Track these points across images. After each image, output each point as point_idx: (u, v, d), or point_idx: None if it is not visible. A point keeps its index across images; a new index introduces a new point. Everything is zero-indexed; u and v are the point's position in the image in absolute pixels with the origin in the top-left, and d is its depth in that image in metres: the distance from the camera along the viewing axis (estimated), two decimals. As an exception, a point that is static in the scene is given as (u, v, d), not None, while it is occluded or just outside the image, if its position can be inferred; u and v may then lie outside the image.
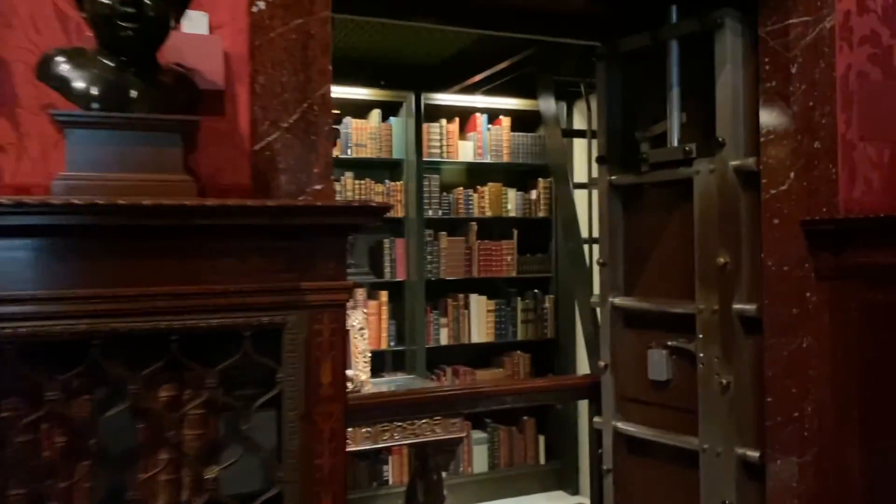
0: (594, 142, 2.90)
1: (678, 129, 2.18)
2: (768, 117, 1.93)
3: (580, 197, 3.44)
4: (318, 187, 1.37)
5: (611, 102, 2.37)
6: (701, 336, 2.08)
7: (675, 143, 2.18)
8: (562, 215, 3.49)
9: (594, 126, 2.94)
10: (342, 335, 1.16)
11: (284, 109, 1.35)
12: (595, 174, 2.47)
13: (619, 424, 2.36)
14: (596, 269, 2.50)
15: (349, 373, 3.35)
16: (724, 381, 2.01)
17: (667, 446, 2.21)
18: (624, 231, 2.39)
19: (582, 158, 4.59)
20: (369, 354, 3.45)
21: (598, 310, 2.81)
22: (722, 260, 2.01)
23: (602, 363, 2.39)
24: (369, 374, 3.42)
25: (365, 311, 3.53)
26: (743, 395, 2.00)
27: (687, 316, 2.13)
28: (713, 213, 2.05)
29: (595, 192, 2.79)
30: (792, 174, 1.88)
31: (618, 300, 2.37)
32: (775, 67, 1.91)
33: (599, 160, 2.40)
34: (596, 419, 2.45)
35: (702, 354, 2.08)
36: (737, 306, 2.00)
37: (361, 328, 3.43)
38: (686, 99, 2.17)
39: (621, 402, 2.38)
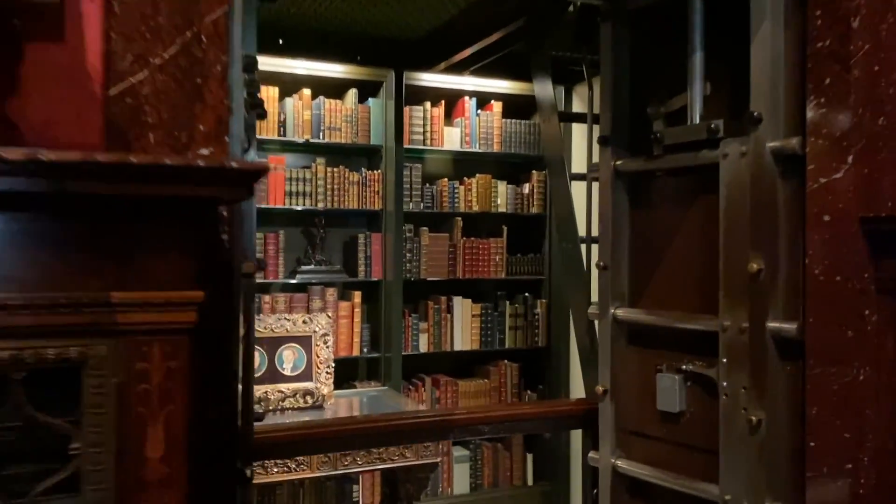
0: (596, 128, 2.52)
1: (701, 102, 1.78)
2: (819, 86, 1.53)
3: (578, 191, 3.04)
4: (205, 151, 0.97)
5: (617, 71, 1.97)
6: (725, 360, 1.68)
7: (697, 120, 1.78)
8: (557, 211, 3.08)
9: (596, 109, 2.55)
10: (184, 380, 0.75)
11: (157, 39, 0.95)
12: (596, 160, 2.07)
13: (620, 463, 1.96)
14: (595, 273, 2.10)
15: (309, 385, 2.95)
16: (754, 419, 1.61)
17: (678, 494, 1.81)
18: (630, 228, 1.99)
19: (581, 149, 4.19)
20: (333, 364, 3.05)
21: (596, 322, 2.42)
22: (755, 266, 1.61)
23: (600, 388, 1.99)
24: (332, 387, 3.02)
25: (329, 314, 3.12)
26: (777, 436, 1.60)
27: (707, 334, 1.73)
28: (744, 208, 1.65)
29: (595, 184, 2.40)
30: (850, 158, 1.48)
31: (621, 312, 1.97)
32: (830, 22, 1.51)
33: (602, 141, 1.99)
34: (591, 454, 2.06)
35: (725, 383, 1.68)
36: (772, 324, 1.60)
37: (325, 334, 3.03)
38: (711, 65, 1.77)
39: (623, 436, 1.99)
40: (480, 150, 4.23)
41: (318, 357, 2.99)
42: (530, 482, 4.31)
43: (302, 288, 3.88)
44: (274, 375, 2.92)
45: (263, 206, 3.74)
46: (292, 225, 3.98)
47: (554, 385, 4.31)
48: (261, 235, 3.75)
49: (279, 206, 3.77)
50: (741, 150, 1.66)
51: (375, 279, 3.98)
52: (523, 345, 4.32)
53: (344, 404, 3.16)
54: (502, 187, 4.31)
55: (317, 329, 3.02)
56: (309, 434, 1.74)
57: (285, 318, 3.00)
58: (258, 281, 3.75)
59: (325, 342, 3.03)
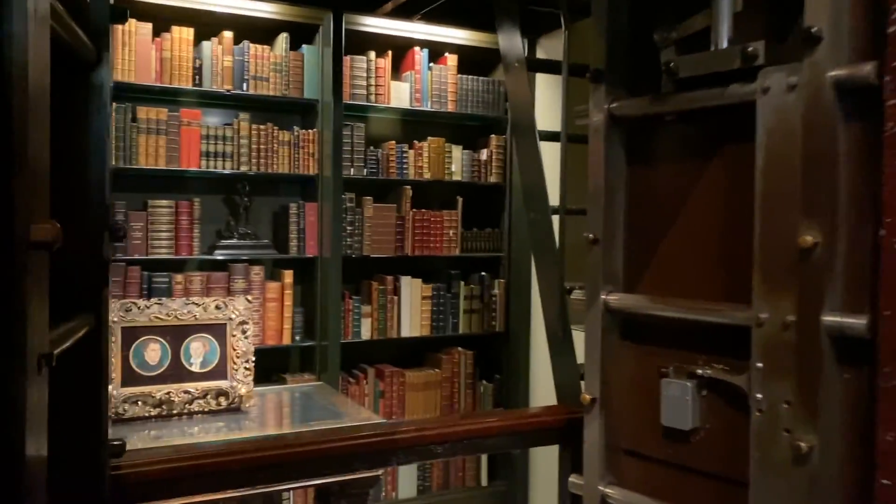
0: (574, 82, 2.11)
1: (730, 19, 1.36)
2: (905, -10, 1.12)
3: (547, 157, 2.61)
4: None
5: (615, -17, 1.53)
6: (761, 365, 1.28)
7: (724, 44, 1.36)
8: (524, 177, 2.64)
9: (573, 57, 2.13)
10: None
11: None
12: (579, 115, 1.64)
13: (610, 491, 1.56)
14: (570, 250, 1.68)
15: (223, 384, 2.47)
16: (802, 445, 1.21)
17: (689, 535, 1.42)
18: (627, 191, 1.57)
19: (548, 112, 3.78)
20: (253, 359, 2.56)
21: (569, 298, 2.01)
22: (809, 239, 1.20)
23: (587, 396, 1.57)
24: (251, 386, 2.54)
25: (250, 298, 2.63)
26: (833, 469, 1.21)
27: (735, 329, 1.33)
28: (791, 161, 1.24)
29: (571, 145, 1.98)
30: (952, 88, 1.08)
31: (614, 298, 1.55)
32: None
33: (594, 77, 1.55)
34: (573, 478, 1.64)
35: (760, 395, 1.28)
36: (830, 318, 1.20)
37: (242, 322, 2.54)
38: (745, -29, 1.35)
39: (614, 457, 1.58)
40: (432, 110, 3.76)
41: (234, 350, 2.50)
42: (484, 482, 3.92)
43: (222, 266, 3.36)
44: (179, 372, 2.43)
45: (175, 168, 3.20)
46: (210, 192, 3.45)
47: (512, 374, 3.92)
48: (171, 203, 3.22)
49: (193, 168, 3.24)
50: (789, 81, 1.24)
51: (310, 256, 3.49)
52: (479, 329, 3.91)
53: (269, 405, 2.68)
54: (457, 152, 3.85)
55: (233, 315, 2.53)
56: (196, 466, 1.27)
57: (193, 303, 2.49)
58: (168, 257, 3.24)
59: (244, 331, 2.54)
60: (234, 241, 3.41)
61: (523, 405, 3.93)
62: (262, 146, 3.37)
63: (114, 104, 3.06)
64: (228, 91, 3.27)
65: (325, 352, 3.45)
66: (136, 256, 3.13)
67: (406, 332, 3.72)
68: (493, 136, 3.91)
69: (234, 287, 3.33)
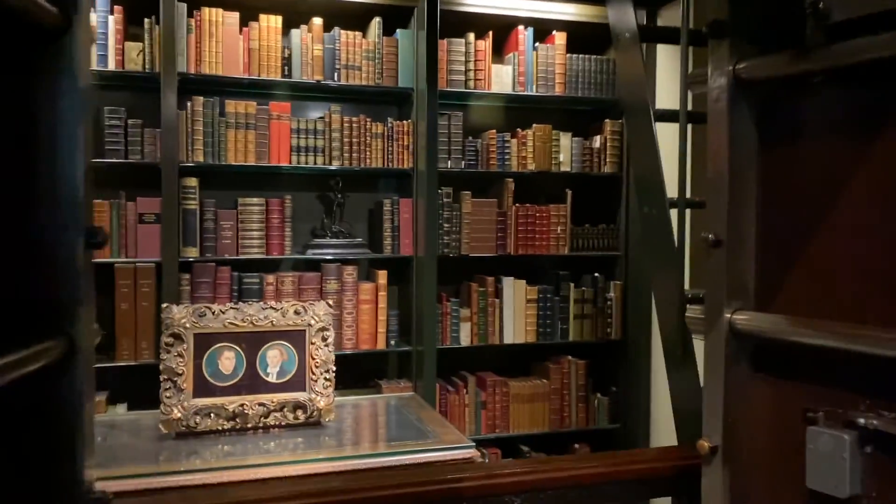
0: (692, 53, 1.77)
1: (912, -64, 0.99)
2: None
3: (666, 144, 2.24)
4: None
5: None
6: (958, 422, 0.91)
7: (903, -28, 0.99)
8: (637, 166, 2.30)
9: (692, 23, 1.78)
10: None
11: None
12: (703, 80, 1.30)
13: (737, 566, 1.22)
14: (695, 251, 1.35)
15: (300, 396, 2.31)
16: None
17: None
18: (760, 178, 1.22)
19: (671, 92, 3.38)
20: (333, 368, 2.39)
21: (692, 324, 1.67)
22: None
23: (705, 443, 1.24)
24: (332, 397, 2.36)
25: (330, 303, 2.46)
26: None
27: (917, 369, 0.97)
28: None
29: (692, 126, 1.64)
30: None
31: (743, 318, 1.21)
32: None
33: (715, 30, 1.21)
34: (688, 543, 1.32)
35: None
36: None
37: (322, 329, 2.37)
38: None
39: (742, 522, 1.24)
40: (538, 94, 3.45)
41: (312, 359, 2.33)
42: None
43: (315, 266, 3.24)
44: (255, 383, 2.29)
45: (265, 164, 3.09)
46: (302, 189, 3.33)
47: (631, 386, 3.55)
48: (261, 201, 3.12)
49: (284, 164, 3.12)
50: None
51: (405, 255, 3.29)
52: (591, 337, 3.57)
53: (351, 420, 2.50)
54: (566, 140, 3.53)
55: (312, 321, 2.36)
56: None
57: (271, 308, 2.35)
58: (259, 257, 3.15)
59: (324, 339, 2.37)
60: (326, 241, 3.27)
61: (643, 422, 3.55)
62: (354, 139, 3.21)
63: (202, 98, 3.00)
64: (318, 82, 3.13)
65: (421, 358, 3.24)
66: (227, 256, 3.06)
67: (509, 338, 3.45)
68: (606, 121, 3.55)
69: (326, 288, 3.19)
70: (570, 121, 3.61)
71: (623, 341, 3.57)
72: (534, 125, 3.47)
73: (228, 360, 2.29)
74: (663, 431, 3.47)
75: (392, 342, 3.31)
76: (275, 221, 3.13)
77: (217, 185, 3.18)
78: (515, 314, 3.45)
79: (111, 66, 2.89)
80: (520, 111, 3.60)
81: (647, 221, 2.21)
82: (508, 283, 3.44)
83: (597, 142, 3.57)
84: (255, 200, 3.11)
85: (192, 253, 3.00)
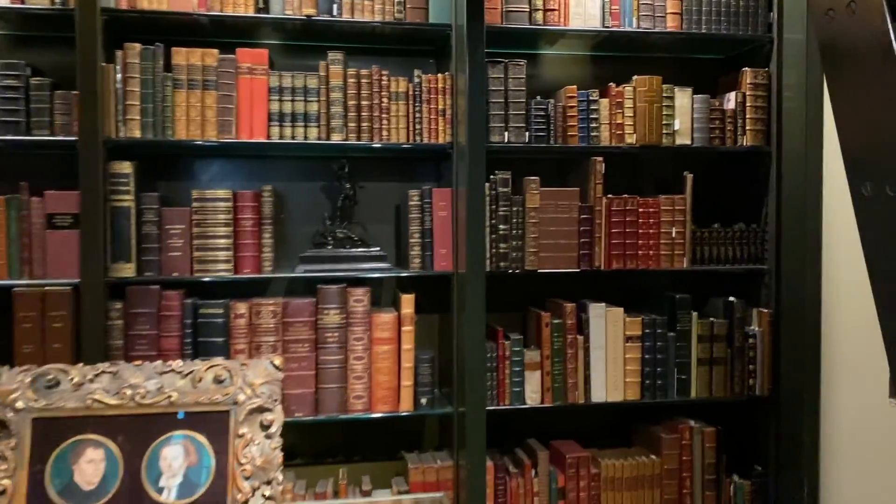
0: None
1: None
2: None
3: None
4: None
5: None
6: None
7: None
8: (850, 122, 1.21)
9: None
10: None
11: None
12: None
13: None
14: None
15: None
16: None
17: None
18: None
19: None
20: (278, 477, 1.45)
21: None
22: None
23: None
24: (275, 533, 1.42)
25: (276, 362, 1.51)
26: None
27: None
28: None
29: None
30: None
31: None
32: None
33: None
34: None
35: None
36: None
37: (259, 409, 1.45)
38: None
39: None
40: (641, 31, 2.41)
41: (240, 463, 1.40)
42: None
43: (312, 287, 2.32)
44: (137, 501, 1.38)
45: (231, 139, 2.20)
46: (288, 177, 2.43)
47: (786, 467, 2.44)
48: (227, 195, 2.23)
49: (260, 139, 2.22)
50: None
51: (441, 271, 2.32)
52: (724, 392, 2.48)
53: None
54: (684, 99, 2.46)
55: (242, 396, 1.44)
56: None
57: (173, 372, 1.43)
58: (224, 276, 2.23)
59: (263, 426, 1.43)
60: (328, 251, 2.35)
61: (806, 521, 2.43)
62: (364, 103, 2.27)
63: (138, 46, 2.14)
64: (309, 18, 2.21)
65: (463, 423, 2.26)
66: (177, 276, 2.18)
67: (599, 394, 2.41)
68: (745, 69, 2.46)
69: (324, 321, 2.26)
70: (690, 71, 2.58)
71: (773, 398, 2.46)
72: (635, 78, 2.42)
73: (92, 467, 1.40)
74: None
75: (423, 401, 2.34)
76: (247, 225, 2.23)
77: (162, 173, 2.33)
78: (609, 358, 2.41)
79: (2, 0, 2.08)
80: (614, 59, 2.60)
81: (868, 210, 1.14)
82: (598, 311, 2.40)
83: (731, 101, 2.48)
84: (218, 194, 2.21)
85: (127, 271, 2.14)
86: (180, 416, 1.42)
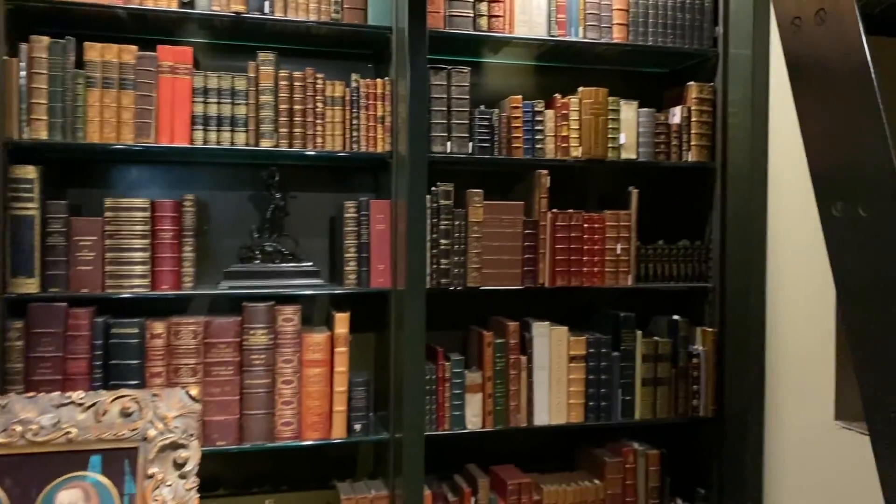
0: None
1: None
2: None
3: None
4: None
5: None
6: None
7: None
8: (808, 127, 1.17)
9: None
10: None
11: None
12: None
13: None
14: None
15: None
16: None
17: None
18: None
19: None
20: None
21: None
22: None
23: None
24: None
25: (193, 393, 1.37)
26: None
27: None
28: None
29: None
30: None
31: None
32: None
33: None
34: None
35: None
36: None
37: (173, 445, 1.29)
38: None
39: None
40: (587, 41, 2.35)
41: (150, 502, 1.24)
42: None
43: (237, 306, 2.16)
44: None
45: (150, 144, 2.03)
46: (212, 185, 2.27)
47: (731, 490, 2.40)
48: (144, 204, 2.05)
49: (181, 144, 2.05)
50: None
51: (378, 288, 2.20)
52: (668, 413, 2.42)
53: None
54: (629, 112, 2.41)
55: (152, 430, 1.28)
56: None
57: (73, 404, 1.28)
58: (140, 293, 2.02)
59: (177, 465, 1.28)
60: (255, 266, 2.19)
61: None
62: (297, 107, 2.14)
63: (46, 39, 1.95)
64: (238, 15, 2.07)
65: (401, 449, 2.13)
66: (86, 292, 1.99)
67: (542, 416, 2.32)
68: (691, 83, 2.43)
69: (250, 342, 2.11)
70: (636, 84, 2.53)
71: (717, 419, 2.42)
72: (580, 89, 2.36)
73: (-28, 515, 1.22)
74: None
75: (356, 427, 2.20)
76: (167, 237, 2.06)
77: (72, 179, 2.13)
78: (553, 379, 2.33)
79: None
80: (559, 69, 2.52)
81: (836, 231, 1.08)
82: (541, 331, 2.32)
83: (676, 116, 2.45)
84: (134, 203, 2.04)
85: (29, 286, 1.94)
86: (93, 464, 1.26)
